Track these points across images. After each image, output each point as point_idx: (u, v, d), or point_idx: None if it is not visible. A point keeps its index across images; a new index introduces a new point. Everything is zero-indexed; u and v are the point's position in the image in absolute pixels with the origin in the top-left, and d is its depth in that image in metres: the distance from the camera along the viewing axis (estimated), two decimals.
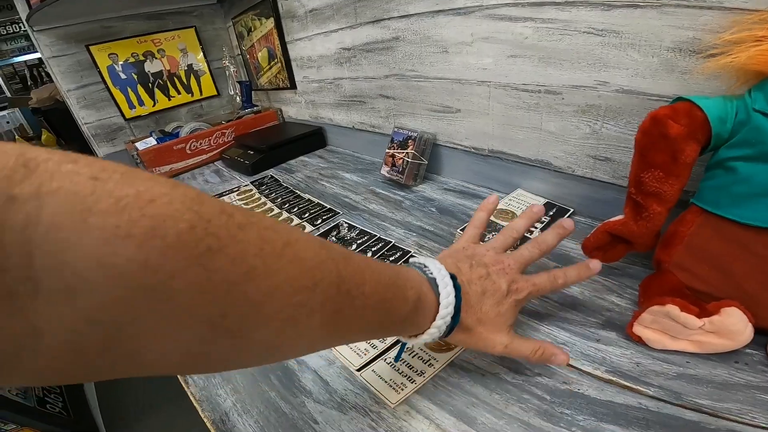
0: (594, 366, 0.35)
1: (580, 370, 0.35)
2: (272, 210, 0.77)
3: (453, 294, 0.31)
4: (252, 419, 0.37)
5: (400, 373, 0.38)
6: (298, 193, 0.82)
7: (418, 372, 0.38)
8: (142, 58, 1.30)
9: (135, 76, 1.30)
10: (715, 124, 0.34)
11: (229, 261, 0.16)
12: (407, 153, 0.71)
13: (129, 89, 1.30)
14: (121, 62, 1.27)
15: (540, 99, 0.55)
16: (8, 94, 4.03)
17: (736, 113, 0.33)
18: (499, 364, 0.37)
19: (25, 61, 4.19)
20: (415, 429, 0.33)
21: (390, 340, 0.42)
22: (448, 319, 0.30)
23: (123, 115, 1.31)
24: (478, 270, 0.35)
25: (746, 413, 0.29)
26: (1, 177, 0.11)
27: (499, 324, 0.34)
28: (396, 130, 0.76)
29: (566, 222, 0.40)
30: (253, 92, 1.38)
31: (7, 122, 4.10)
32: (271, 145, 1.05)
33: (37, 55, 4.04)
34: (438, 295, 0.30)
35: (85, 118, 1.28)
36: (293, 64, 1.15)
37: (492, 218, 0.56)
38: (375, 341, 0.42)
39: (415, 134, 0.71)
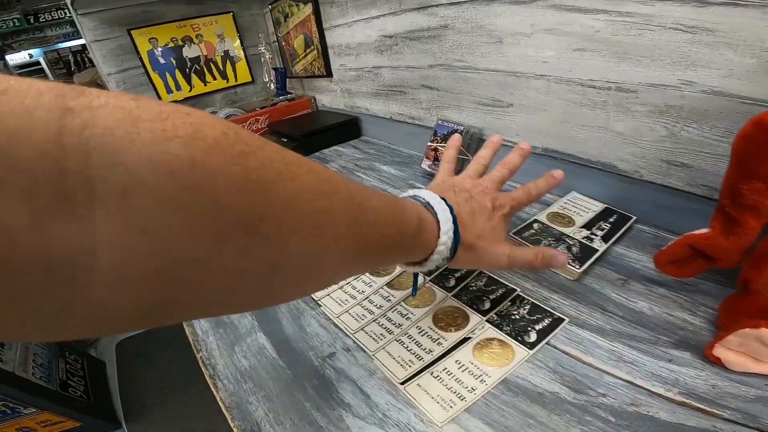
0: (666, 387, 0.32)
1: (650, 391, 0.32)
2: None
3: (448, 212, 0.33)
4: None
5: (449, 389, 0.36)
6: None
7: (469, 388, 0.35)
8: (180, 43, 1.31)
9: (173, 61, 1.31)
10: None
11: (260, 163, 0.17)
12: None
13: (167, 74, 1.31)
14: (160, 47, 1.28)
15: (609, 96, 0.50)
16: (52, 79, 4.20)
17: None
18: (558, 382, 0.34)
19: (70, 47, 4.35)
20: None
21: (437, 351, 0.39)
22: (451, 234, 0.32)
23: (160, 99, 1.32)
24: (462, 194, 0.39)
25: None
26: (57, 95, 0.12)
27: (496, 237, 0.37)
28: (440, 122, 0.72)
29: (557, 173, 0.45)
30: (287, 80, 1.37)
31: None
32: (305, 133, 1.04)
33: (81, 41, 4.21)
34: (435, 215, 0.33)
35: None
36: (330, 51, 1.12)
37: (549, 224, 0.53)
38: (419, 351, 0.40)
39: (462, 128, 0.68)
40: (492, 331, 0.40)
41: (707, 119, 0.43)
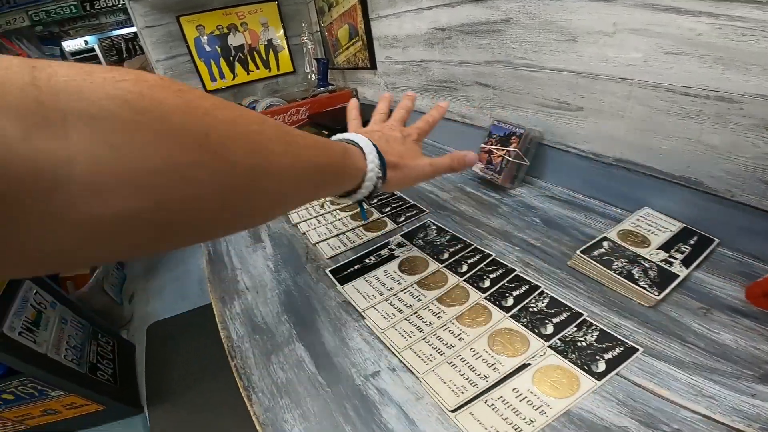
0: (746, 423, 0.30)
1: (729, 426, 0.30)
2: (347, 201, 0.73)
3: (369, 142, 0.39)
4: None
5: (505, 420, 0.32)
6: None
7: (527, 420, 0.32)
8: (226, 31, 1.31)
9: (218, 49, 1.31)
10: None
11: (197, 96, 0.21)
12: (508, 151, 0.63)
13: (212, 62, 1.32)
14: (207, 34, 1.28)
15: (706, 106, 0.44)
16: (105, 65, 4.40)
17: None
18: (628, 416, 0.31)
19: (122, 35, 4.53)
20: None
21: (493, 377, 0.36)
22: (375, 156, 0.38)
23: (205, 87, 1.33)
24: (375, 134, 0.45)
25: None
26: (22, 60, 0.16)
27: (414, 154, 0.45)
28: (496, 123, 0.67)
29: (442, 102, 0.54)
30: (329, 70, 1.34)
31: None
32: (346, 127, 1.00)
33: (133, 29, 4.39)
34: (358, 145, 0.39)
35: None
36: (376, 43, 1.08)
37: (621, 242, 0.48)
38: (473, 376, 0.36)
39: (522, 130, 0.62)
40: (555, 358, 0.37)
41: None
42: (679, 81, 0.46)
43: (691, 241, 0.47)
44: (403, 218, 0.63)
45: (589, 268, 0.46)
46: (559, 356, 0.37)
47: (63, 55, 3.39)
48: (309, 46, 1.33)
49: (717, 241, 0.47)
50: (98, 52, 4.51)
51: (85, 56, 4.44)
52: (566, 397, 0.33)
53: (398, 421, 0.34)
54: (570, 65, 0.57)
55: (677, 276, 0.42)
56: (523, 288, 0.45)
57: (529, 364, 0.37)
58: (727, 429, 0.29)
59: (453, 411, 0.34)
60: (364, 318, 0.45)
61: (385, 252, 0.55)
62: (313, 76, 1.34)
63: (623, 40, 0.49)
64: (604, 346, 0.37)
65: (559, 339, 0.38)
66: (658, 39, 0.46)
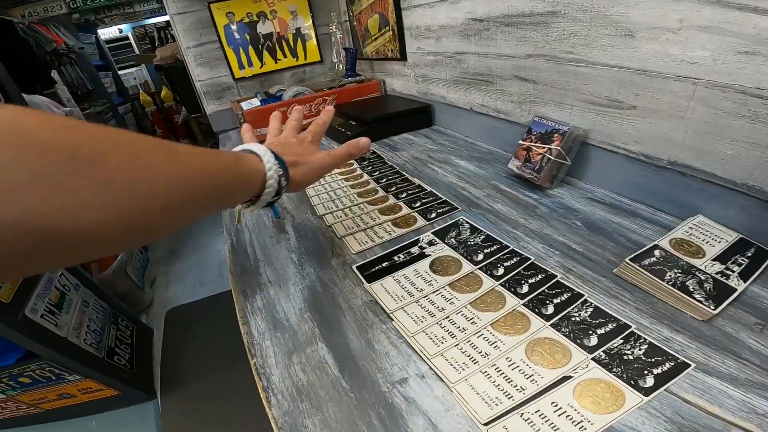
0: None
1: None
2: (376, 191, 0.70)
3: (262, 146, 0.42)
4: None
5: None
6: (406, 175, 0.75)
7: None
8: (255, 18, 1.30)
9: (248, 37, 1.31)
10: None
11: (61, 118, 0.23)
12: (550, 149, 0.59)
13: (241, 49, 1.32)
14: (236, 22, 1.28)
15: None
16: (137, 53, 4.52)
17: None
18: None
19: (155, 24, 4.64)
20: None
21: (530, 389, 0.33)
22: (272, 158, 0.41)
23: (233, 74, 1.34)
24: (271, 144, 0.49)
25: None
26: None
27: (311, 151, 0.50)
28: (537, 119, 0.64)
29: (329, 107, 0.60)
30: (357, 61, 1.32)
31: (134, 78, 4.65)
32: (375, 118, 0.99)
33: (165, 17, 4.49)
34: (252, 152, 0.41)
35: (199, 75, 1.33)
36: (407, 33, 1.05)
37: (674, 251, 0.44)
38: (508, 388, 0.34)
39: (566, 128, 0.59)
40: (598, 371, 0.34)
41: None
42: (752, 82, 0.42)
43: (749, 253, 0.43)
44: (434, 215, 0.60)
45: (638, 277, 0.42)
46: (603, 369, 0.34)
47: (98, 43, 3.47)
48: (337, 36, 1.31)
49: None
50: (132, 40, 4.64)
51: (119, 44, 4.56)
52: (609, 412, 0.31)
53: None
54: (624, 61, 0.53)
55: (735, 290, 0.39)
56: (565, 295, 0.42)
57: (571, 377, 0.34)
58: None
59: (486, 424, 0.31)
60: (392, 320, 0.43)
61: (415, 250, 0.53)
62: (340, 66, 1.32)
63: (689, 37, 0.45)
64: (653, 360, 0.34)
65: (603, 351, 0.35)
66: (730, 38, 0.42)
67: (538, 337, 0.38)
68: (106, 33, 4.42)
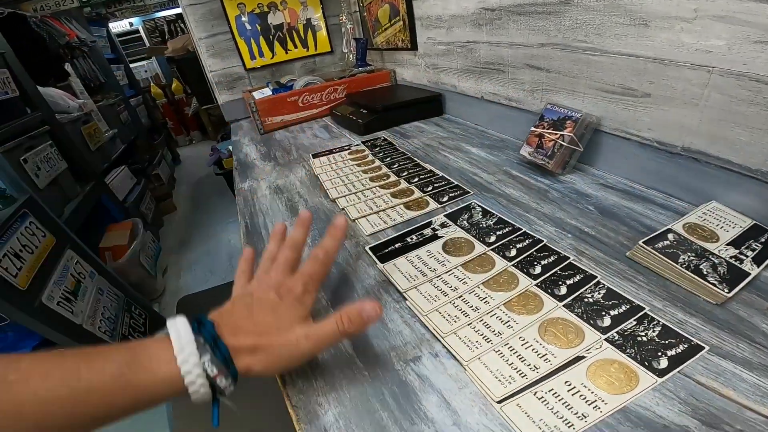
0: None
1: None
2: (388, 176, 0.71)
3: (189, 330, 0.30)
4: None
5: (555, 414, 0.30)
6: (417, 161, 0.75)
7: (579, 414, 0.30)
8: (266, 9, 1.31)
9: (259, 28, 1.32)
10: None
11: None
12: (562, 135, 0.59)
13: (252, 40, 1.32)
14: (247, 12, 1.29)
15: None
16: (147, 45, 4.56)
17: None
18: (689, 415, 0.29)
19: (165, 17, 4.67)
20: None
21: (543, 368, 0.34)
22: (197, 352, 0.29)
23: (244, 64, 1.35)
24: (243, 300, 0.37)
25: None
26: None
27: (285, 323, 0.34)
28: (549, 106, 0.64)
29: (338, 221, 0.42)
30: (367, 51, 1.33)
31: (145, 71, 4.69)
32: (385, 106, 0.99)
33: (175, 10, 4.51)
34: (167, 335, 0.30)
35: (211, 66, 1.34)
36: (417, 23, 1.05)
37: (687, 236, 0.44)
38: (522, 367, 0.34)
39: (578, 115, 0.59)
40: (612, 352, 0.34)
41: None
42: (767, 71, 0.42)
43: (762, 239, 0.43)
44: (446, 198, 0.61)
45: (652, 260, 0.42)
46: (616, 350, 0.34)
47: (109, 37, 3.50)
48: (347, 26, 1.31)
49: None
50: (142, 33, 4.67)
51: (129, 37, 4.60)
52: (623, 393, 0.31)
53: (439, 410, 0.32)
54: (638, 50, 0.53)
55: (748, 274, 0.39)
56: (578, 277, 0.42)
57: (584, 357, 0.34)
58: None
59: (499, 402, 0.32)
60: (405, 299, 0.43)
61: (427, 232, 0.53)
62: (351, 56, 1.33)
63: (704, 26, 0.45)
64: (666, 342, 0.34)
65: (617, 332, 0.36)
66: (745, 27, 0.42)
67: (551, 317, 0.38)
68: (117, 26, 4.46)
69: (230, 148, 1.77)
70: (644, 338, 0.35)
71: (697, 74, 0.47)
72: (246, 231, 0.64)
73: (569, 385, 0.32)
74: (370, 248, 0.52)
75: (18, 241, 1.12)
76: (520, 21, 0.70)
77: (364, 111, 1.02)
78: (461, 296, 0.42)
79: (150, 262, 1.94)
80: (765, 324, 0.35)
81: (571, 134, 0.58)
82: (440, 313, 0.41)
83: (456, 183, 0.65)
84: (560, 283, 0.42)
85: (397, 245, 0.52)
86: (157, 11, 4.62)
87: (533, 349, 0.36)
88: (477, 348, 0.36)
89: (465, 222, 0.54)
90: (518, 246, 0.48)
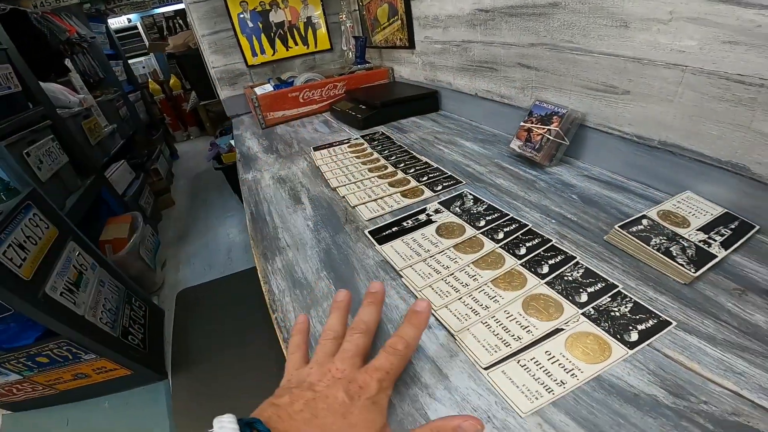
0: None
1: (755, 403, 0.30)
2: (385, 168, 0.75)
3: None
4: None
5: (536, 380, 0.33)
6: (414, 153, 0.79)
7: (558, 381, 0.33)
8: (268, 7, 1.34)
9: (260, 25, 1.34)
10: None
11: None
12: (549, 129, 0.63)
13: (254, 37, 1.35)
14: (249, 10, 1.31)
15: (759, 94, 0.44)
16: (146, 43, 4.55)
17: None
18: (657, 385, 0.32)
19: (163, 13, 4.66)
20: None
21: (526, 338, 0.37)
22: None
23: (246, 61, 1.37)
24: (303, 395, 0.29)
25: None
26: None
27: (358, 427, 0.28)
28: (538, 103, 0.68)
29: (420, 305, 0.36)
30: (366, 49, 1.36)
31: (143, 67, 4.69)
32: (384, 102, 1.03)
33: (173, 7, 4.51)
34: None
35: (214, 62, 1.37)
36: (415, 22, 1.09)
37: (661, 221, 0.48)
38: (507, 337, 0.37)
39: (564, 111, 0.62)
40: (588, 326, 0.37)
41: None
42: (735, 69, 0.45)
43: (732, 226, 0.47)
44: (440, 187, 0.65)
45: (626, 243, 0.46)
46: (592, 324, 0.37)
47: (108, 33, 3.51)
48: (347, 25, 1.34)
49: (757, 227, 0.46)
50: (141, 29, 4.66)
51: (128, 33, 4.59)
52: (597, 362, 0.34)
53: (432, 376, 0.35)
54: (619, 50, 0.56)
55: (715, 256, 0.42)
56: (559, 257, 0.45)
57: (562, 329, 0.37)
58: (753, 406, 0.29)
59: (486, 368, 0.35)
60: (401, 276, 0.47)
61: (422, 217, 0.57)
62: (350, 53, 1.36)
63: (679, 28, 0.49)
64: (637, 317, 0.37)
65: (592, 308, 0.39)
66: (715, 29, 0.45)
67: (533, 293, 0.41)
68: (115, 23, 4.45)
69: (232, 142, 1.79)
70: (617, 313, 0.38)
71: (672, 73, 0.51)
72: (251, 217, 0.67)
73: (549, 354, 0.35)
74: (369, 232, 0.56)
75: (22, 233, 1.14)
76: (512, 22, 0.74)
77: (363, 107, 1.05)
78: (452, 274, 0.46)
79: (149, 256, 1.96)
80: (730, 303, 0.38)
81: (557, 129, 0.62)
82: (433, 288, 0.44)
83: (450, 173, 0.69)
84: (543, 263, 0.45)
85: (394, 229, 0.55)
86: (156, 7, 4.61)
87: (517, 322, 0.39)
88: (466, 320, 0.40)
89: (457, 208, 0.58)
90: (505, 230, 0.51)
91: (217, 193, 2.93)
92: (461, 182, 0.66)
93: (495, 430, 0.30)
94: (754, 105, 0.45)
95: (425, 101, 1.07)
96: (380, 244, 0.53)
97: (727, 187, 0.50)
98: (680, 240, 0.45)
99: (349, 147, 0.89)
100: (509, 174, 0.67)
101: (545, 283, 0.43)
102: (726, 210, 0.49)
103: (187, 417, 1.30)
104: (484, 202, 0.58)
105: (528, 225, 0.51)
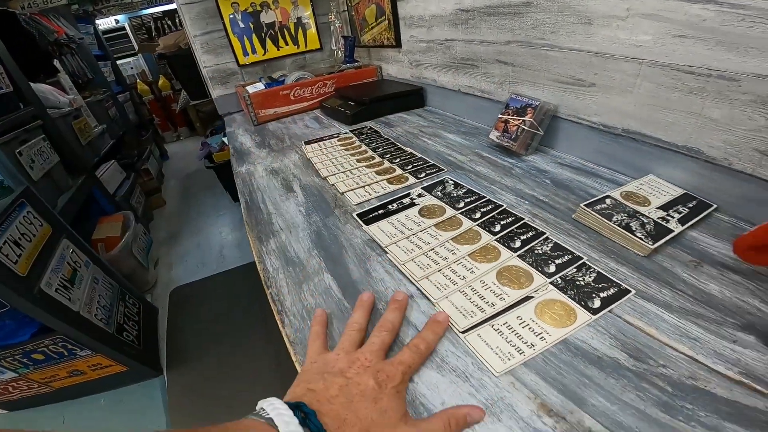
0: (726, 366, 0.32)
1: (710, 367, 0.32)
2: (373, 158, 0.79)
3: (296, 422, 0.28)
4: None
5: (508, 342, 0.36)
6: (399, 145, 0.83)
7: (529, 344, 0.36)
8: (259, 8, 1.37)
9: (251, 26, 1.37)
10: None
11: None
12: (524, 120, 0.68)
13: (245, 37, 1.38)
14: (241, 11, 1.34)
15: (708, 83, 0.48)
16: (135, 44, 4.52)
17: None
18: (619, 348, 0.34)
19: (152, 14, 4.63)
20: (518, 402, 0.31)
21: (499, 305, 0.41)
22: None
23: (237, 61, 1.40)
24: (335, 381, 0.33)
25: None
26: None
27: (390, 420, 0.31)
28: (513, 96, 0.72)
29: (440, 316, 0.40)
30: (354, 48, 1.40)
31: (131, 68, 4.67)
32: (372, 99, 1.07)
33: (161, 8, 4.49)
34: (274, 425, 0.27)
35: (205, 62, 1.39)
36: (401, 22, 1.13)
37: (623, 201, 0.52)
38: (482, 304, 0.41)
39: (537, 103, 0.67)
40: (555, 293, 0.41)
41: None
42: (685, 61, 0.49)
43: (690, 204, 0.51)
44: (423, 174, 0.69)
45: (591, 219, 0.51)
46: (559, 292, 0.41)
47: (96, 33, 3.50)
48: (336, 25, 1.38)
49: (714, 206, 0.50)
50: (128, 30, 4.64)
51: (116, 34, 4.57)
52: (564, 327, 0.37)
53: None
54: (585, 45, 0.61)
55: (672, 231, 0.46)
56: (530, 233, 0.50)
57: (532, 297, 0.40)
58: (708, 370, 0.31)
59: (463, 332, 0.38)
60: (386, 252, 0.51)
61: (406, 201, 0.61)
62: (339, 53, 1.39)
63: (635, 23, 0.53)
64: (600, 286, 0.41)
65: (559, 277, 0.42)
66: (666, 24, 0.50)
67: (506, 265, 0.45)
68: (103, 24, 4.43)
69: (224, 140, 1.81)
70: (582, 282, 0.42)
71: (631, 66, 0.56)
72: (246, 206, 0.70)
73: (520, 319, 0.38)
74: (357, 214, 0.60)
75: (17, 230, 1.15)
76: (490, 21, 0.78)
77: (352, 103, 1.09)
78: (433, 249, 0.50)
79: (142, 254, 1.97)
80: (686, 274, 0.41)
81: (531, 119, 0.67)
82: (415, 262, 0.48)
83: (433, 162, 0.73)
84: (515, 238, 0.49)
85: (380, 211, 0.59)
86: (144, 8, 4.59)
87: (491, 290, 0.42)
88: (445, 289, 0.43)
89: (439, 192, 0.62)
90: (482, 210, 0.56)
91: (209, 193, 2.94)
92: (443, 170, 0.70)
93: (472, 389, 0.33)
94: (704, 93, 0.49)
95: (412, 97, 1.12)
96: (367, 225, 0.57)
97: (685, 169, 0.54)
98: (640, 216, 0.49)
99: (338, 141, 0.93)
100: (488, 162, 0.71)
101: (517, 256, 0.47)
102: (686, 191, 0.53)
103: (182, 412, 1.31)
104: (463, 186, 0.63)
105: (503, 206, 0.56)
